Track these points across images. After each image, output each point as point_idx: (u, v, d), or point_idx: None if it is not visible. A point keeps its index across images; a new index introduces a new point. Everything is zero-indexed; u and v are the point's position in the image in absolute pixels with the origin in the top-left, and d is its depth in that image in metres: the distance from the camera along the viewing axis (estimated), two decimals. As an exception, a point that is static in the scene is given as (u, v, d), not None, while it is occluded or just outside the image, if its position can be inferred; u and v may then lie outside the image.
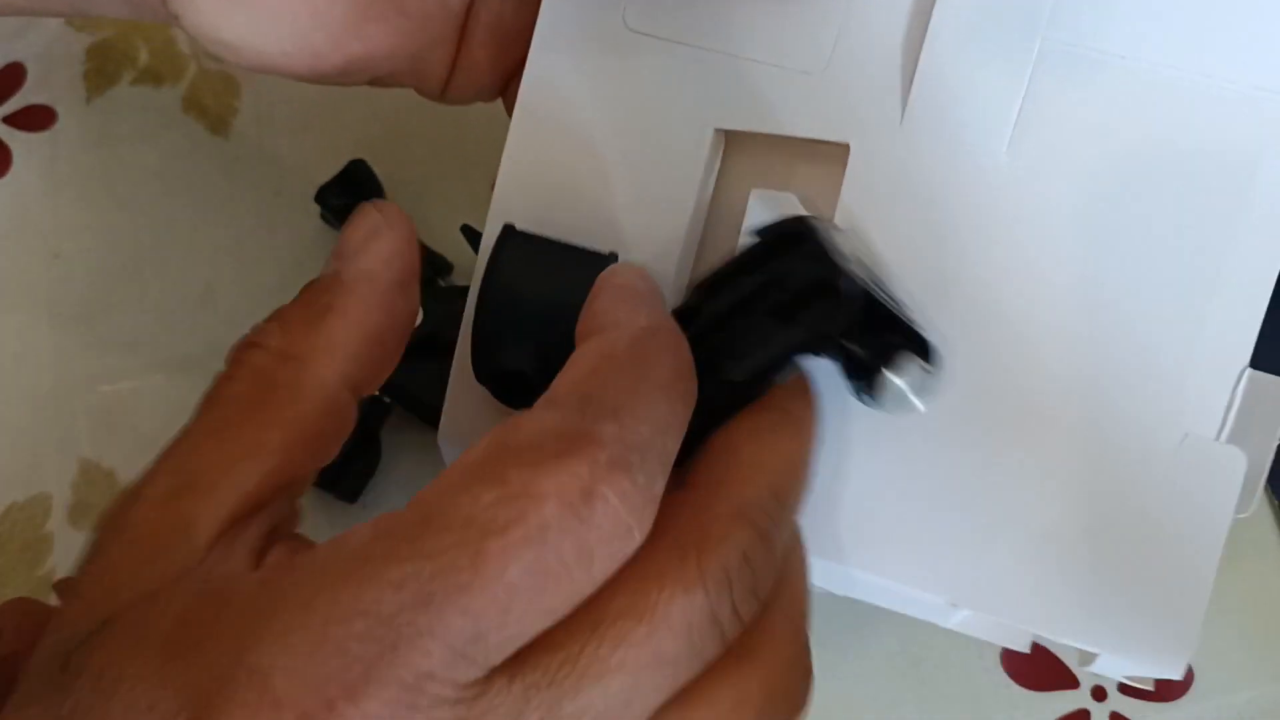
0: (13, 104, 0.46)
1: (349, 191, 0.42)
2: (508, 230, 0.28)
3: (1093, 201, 0.25)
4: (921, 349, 0.23)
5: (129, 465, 0.40)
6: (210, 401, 0.24)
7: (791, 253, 0.24)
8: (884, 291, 0.24)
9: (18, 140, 0.45)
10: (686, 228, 0.27)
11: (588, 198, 0.28)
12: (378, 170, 0.44)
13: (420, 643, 0.18)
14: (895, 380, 0.23)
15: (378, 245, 0.25)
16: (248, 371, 0.24)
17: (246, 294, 0.42)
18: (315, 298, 0.25)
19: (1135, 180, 0.25)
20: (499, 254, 0.27)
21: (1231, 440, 0.25)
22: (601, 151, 0.28)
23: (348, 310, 0.24)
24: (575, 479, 0.19)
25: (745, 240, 0.25)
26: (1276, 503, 0.39)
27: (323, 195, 0.42)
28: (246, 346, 0.24)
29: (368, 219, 0.26)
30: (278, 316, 0.25)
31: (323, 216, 0.43)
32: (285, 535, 0.23)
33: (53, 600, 0.38)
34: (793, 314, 0.23)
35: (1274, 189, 0.25)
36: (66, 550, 0.39)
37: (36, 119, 0.45)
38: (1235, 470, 0.25)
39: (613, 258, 0.27)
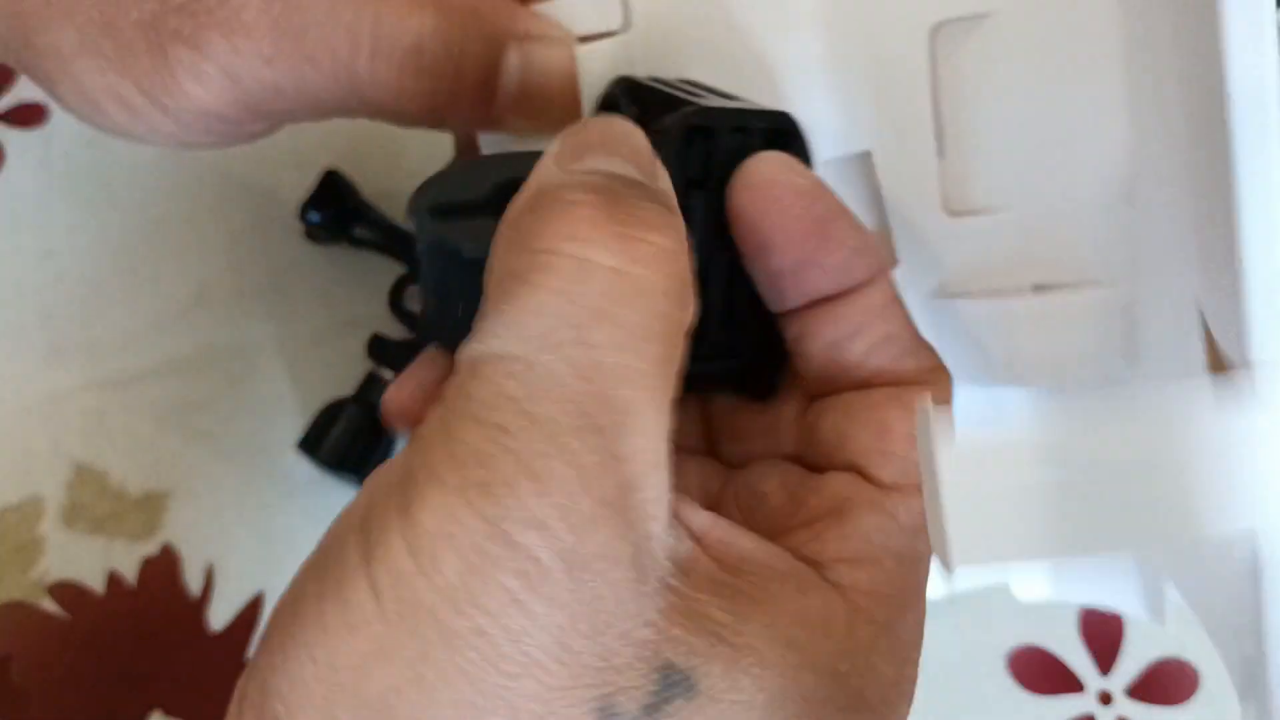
0: (6, 101, 0.45)
1: (326, 203, 0.41)
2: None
3: None
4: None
5: (122, 467, 0.39)
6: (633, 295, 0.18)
7: (716, 139, 0.24)
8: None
9: (10, 137, 0.45)
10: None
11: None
12: (377, 162, 0.44)
13: None
14: None
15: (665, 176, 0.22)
16: (646, 267, 0.19)
17: (241, 294, 0.42)
18: (638, 212, 0.19)
19: None
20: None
21: None
22: None
23: (679, 230, 0.20)
24: None
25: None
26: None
27: (303, 213, 0.41)
28: (641, 228, 0.19)
29: (641, 136, 0.22)
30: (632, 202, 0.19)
31: (306, 234, 0.42)
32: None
33: (46, 604, 0.38)
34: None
35: None
36: (60, 553, 0.38)
37: (29, 116, 0.45)
38: None
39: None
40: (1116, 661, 0.37)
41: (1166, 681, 0.37)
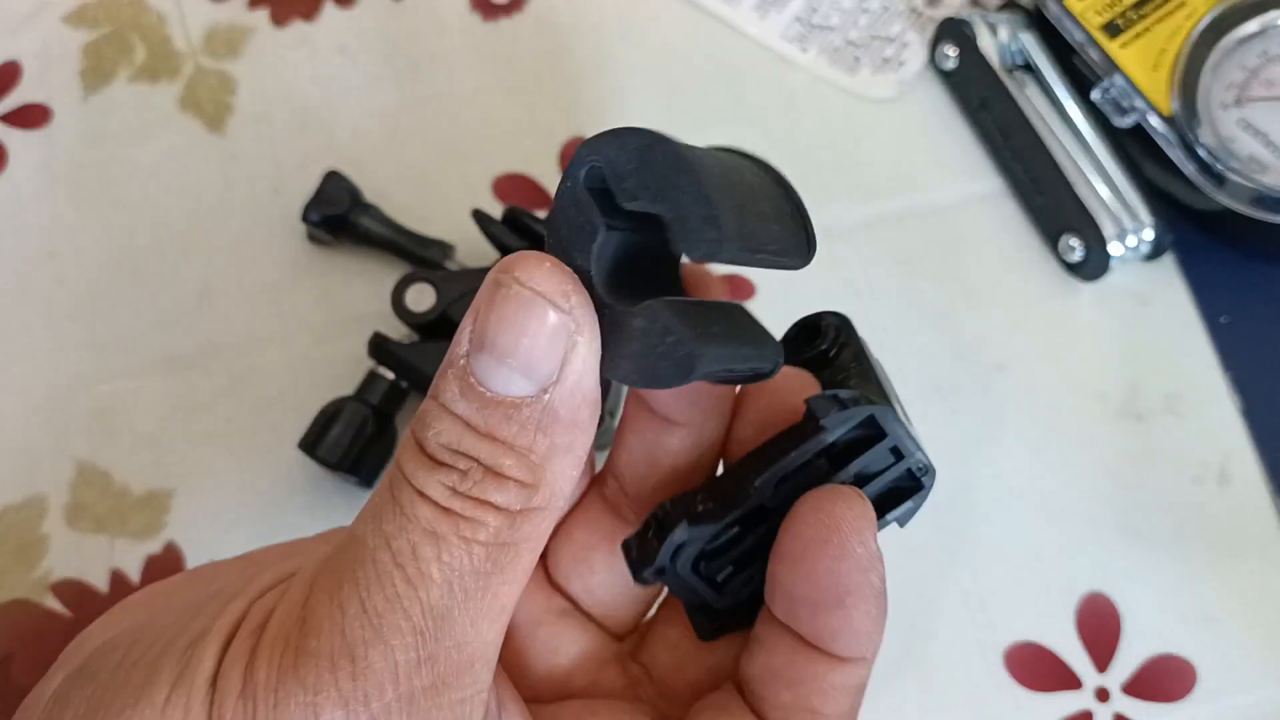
0: (9, 102, 0.45)
1: (327, 204, 0.41)
2: None
3: None
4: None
5: (125, 465, 0.40)
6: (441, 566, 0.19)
7: (870, 449, 0.23)
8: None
9: (14, 138, 0.45)
10: None
11: None
12: (379, 161, 0.44)
13: None
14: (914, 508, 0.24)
15: (580, 357, 0.19)
16: (487, 538, 0.20)
17: (244, 293, 0.42)
18: (525, 428, 0.19)
19: None
20: None
21: None
22: None
23: (574, 447, 0.20)
24: None
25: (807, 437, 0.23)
26: (1278, 504, 0.39)
27: (305, 214, 0.41)
28: (477, 503, 0.19)
29: (545, 316, 0.19)
30: (505, 451, 0.19)
31: (309, 234, 0.42)
32: None
33: (49, 602, 0.38)
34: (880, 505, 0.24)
35: None
36: (63, 551, 0.38)
37: (32, 117, 0.45)
38: None
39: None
40: (1113, 658, 0.37)
41: (1163, 678, 0.37)
